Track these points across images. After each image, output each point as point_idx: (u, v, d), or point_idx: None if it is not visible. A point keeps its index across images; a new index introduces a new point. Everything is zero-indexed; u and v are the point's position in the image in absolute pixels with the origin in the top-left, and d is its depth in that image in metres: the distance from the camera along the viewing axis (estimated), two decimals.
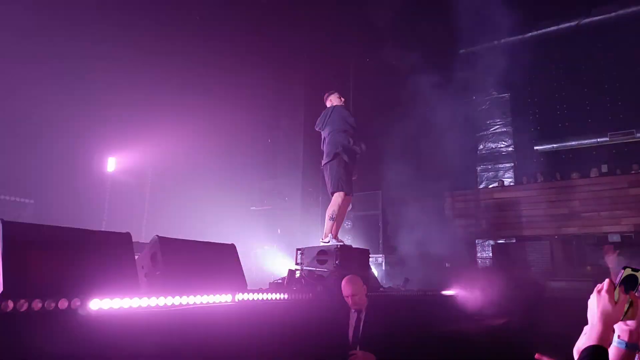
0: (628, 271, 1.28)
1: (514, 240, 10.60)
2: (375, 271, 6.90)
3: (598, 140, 11.44)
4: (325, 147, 5.77)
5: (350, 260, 5.13)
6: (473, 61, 12.11)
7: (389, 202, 10.37)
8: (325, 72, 12.35)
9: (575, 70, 12.11)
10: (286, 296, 3.88)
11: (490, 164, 12.22)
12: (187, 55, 10.49)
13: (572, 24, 11.84)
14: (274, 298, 3.70)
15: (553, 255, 9.71)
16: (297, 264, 5.32)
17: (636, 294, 1.25)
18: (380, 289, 5.55)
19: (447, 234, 9.84)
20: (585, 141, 11.65)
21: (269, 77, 12.86)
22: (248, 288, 3.61)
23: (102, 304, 2.28)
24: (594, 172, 10.63)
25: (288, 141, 12.36)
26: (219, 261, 3.62)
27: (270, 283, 4.83)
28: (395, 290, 5.86)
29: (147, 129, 10.12)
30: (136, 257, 3.04)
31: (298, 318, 3.82)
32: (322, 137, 5.89)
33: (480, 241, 11.14)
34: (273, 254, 7.99)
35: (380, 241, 9.93)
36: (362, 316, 3.62)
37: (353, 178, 5.82)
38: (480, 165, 12.33)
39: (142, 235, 9.83)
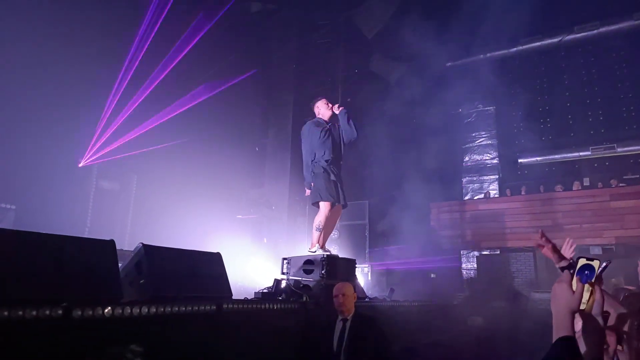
0: (583, 261, 1.32)
1: (498, 252, 10.71)
2: (361, 281, 6.91)
3: (580, 154, 11.69)
4: (305, 165, 5.72)
5: (336, 270, 5.12)
6: (459, 74, 12.32)
7: (376, 212, 10.41)
8: (313, 82, 12.44)
9: (559, 85, 12.39)
10: (272, 306, 3.85)
11: (475, 176, 12.36)
12: (176, 62, 10.47)
13: (556, 40, 12.14)
14: (259, 307, 3.68)
15: (536, 266, 9.83)
16: (283, 273, 5.29)
17: (593, 281, 1.29)
18: (366, 299, 5.55)
19: (432, 245, 9.91)
20: (568, 154, 11.89)
21: (258, 85, 12.89)
22: (233, 297, 3.58)
23: (84, 313, 2.23)
24: (576, 185, 10.84)
25: (275, 150, 12.37)
26: (204, 270, 3.58)
27: (255, 292, 4.80)
28: (381, 300, 5.87)
29: (133, 135, 10.03)
30: (120, 265, 3.00)
31: (283, 327, 3.80)
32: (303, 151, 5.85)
33: (465, 252, 11.23)
34: (258, 262, 7.94)
35: (367, 251, 9.94)
36: (348, 325, 3.62)
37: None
38: (465, 177, 12.47)
39: (126, 242, 9.68)
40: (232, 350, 3.16)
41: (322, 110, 5.88)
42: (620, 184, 10.41)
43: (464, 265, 11.13)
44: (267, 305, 3.78)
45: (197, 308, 2.96)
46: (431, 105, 11.62)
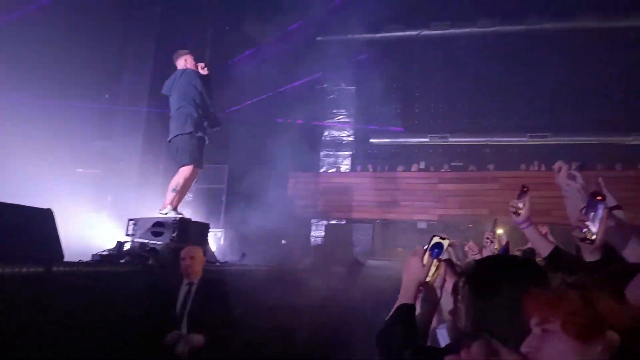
0: (436, 239, 1.53)
1: (344, 222, 11.68)
2: (213, 246, 6.88)
3: (420, 140, 13.26)
4: (175, 117, 5.41)
5: (188, 233, 5.00)
6: (328, 51, 12.74)
7: (235, 177, 10.35)
8: (181, 31, 11.50)
9: (412, 75, 13.71)
10: (112, 269, 3.61)
11: (332, 151, 13.14)
12: None
13: (414, 32, 13.33)
14: (97, 270, 3.41)
15: (374, 237, 11.02)
16: (127, 235, 4.97)
17: (440, 258, 1.52)
18: (216, 263, 5.56)
19: (286, 213, 10.30)
20: (411, 140, 13.40)
21: (113, 24, 11.42)
22: (67, 259, 3.26)
23: None
24: (414, 167, 12.35)
25: (130, 99, 11.23)
26: (31, 227, 3.17)
27: (93, 254, 4.41)
28: (231, 264, 5.94)
29: None
30: None
31: (125, 292, 3.60)
32: (170, 103, 5.51)
33: (315, 221, 11.97)
34: (99, 222, 7.24)
35: (222, 216, 9.85)
36: (193, 289, 3.59)
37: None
38: (323, 151, 13.16)
39: None
40: (63, 317, 2.89)
41: (190, 66, 5.56)
42: (448, 170, 12.18)
43: (313, 233, 11.88)
44: (105, 268, 3.53)
45: (18, 270, 2.62)
46: (299, 76, 11.83)
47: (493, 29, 12.80)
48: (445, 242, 1.53)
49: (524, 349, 0.98)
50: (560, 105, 12.66)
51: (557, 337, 0.89)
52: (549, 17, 12.41)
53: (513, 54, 12.78)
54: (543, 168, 11.56)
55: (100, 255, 4.37)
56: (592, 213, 1.35)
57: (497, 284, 1.20)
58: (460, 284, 1.37)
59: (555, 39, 12.53)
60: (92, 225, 6.71)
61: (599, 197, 1.36)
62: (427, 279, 1.48)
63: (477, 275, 1.28)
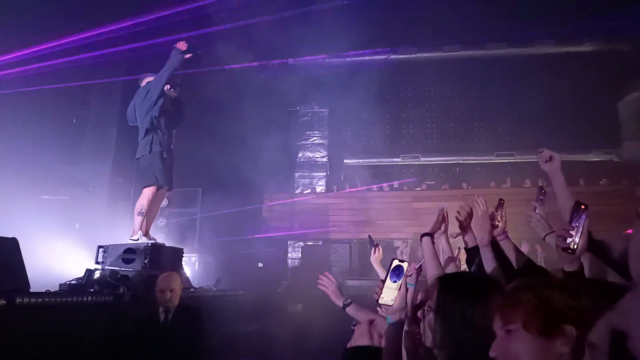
0: (396, 262, 1.55)
1: (321, 243, 11.59)
2: (187, 270, 6.68)
3: (393, 160, 13.44)
4: (140, 137, 5.28)
5: (161, 259, 4.84)
6: (299, 73, 12.86)
7: (209, 201, 10.16)
8: (150, 52, 11.34)
9: (381, 98, 13.93)
10: (80, 298, 3.43)
11: (307, 172, 13.13)
12: None
13: (383, 57, 13.66)
14: (64, 300, 3.23)
15: (351, 257, 10.97)
16: (97, 262, 4.76)
17: (403, 280, 1.52)
18: (192, 289, 5.38)
19: (262, 235, 10.16)
20: (384, 159, 13.57)
21: (83, 44, 11.18)
22: (32, 290, 3.08)
23: None
24: (387, 187, 12.46)
25: (98, 124, 10.96)
26: None
27: (61, 284, 4.19)
28: (207, 290, 5.76)
29: None
30: None
31: (94, 322, 3.42)
32: (138, 123, 5.36)
33: (292, 242, 11.84)
34: (67, 250, 6.93)
35: (196, 240, 9.60)
36: (170, 317, 3.44)
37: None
38: (298, 172, 13.14)
39: None
40: (30, 351, 2.71)
41: None
42: (421, 188, 12.34)
43: (289, 255, 11.73)
44: (74, 298, 3.35)
45: None
46: (272, 99, 11.86)
47: (457, 53, 13.28)
48: (405, 265, 1.56)
49: (492, 353, 1.00)
50: (524, 125, 13.13)
51: (520, 336, 0.96)
52: (509, 44, 13.04)
53: (477, 78, 13.24)
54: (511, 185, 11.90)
55: (68, 284, 4.16)
56: (576, 222, 1.35)
57: (457, 306, 1.23)
58: (426, 307, 1.39)
59: (516, 64, 13.09)
60: (59, 254, 6.41)
61: (583, 206, 1.36)
62: (390, 304, 1.47)
63: (439, 299, 1.30)
